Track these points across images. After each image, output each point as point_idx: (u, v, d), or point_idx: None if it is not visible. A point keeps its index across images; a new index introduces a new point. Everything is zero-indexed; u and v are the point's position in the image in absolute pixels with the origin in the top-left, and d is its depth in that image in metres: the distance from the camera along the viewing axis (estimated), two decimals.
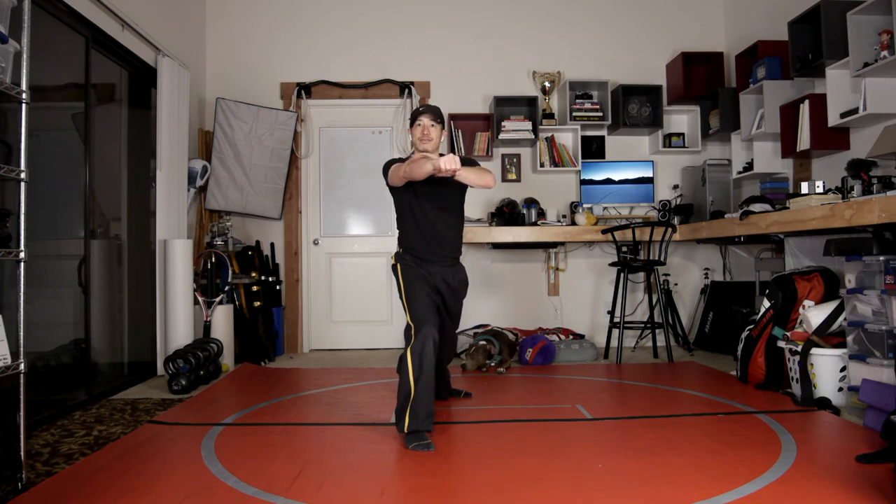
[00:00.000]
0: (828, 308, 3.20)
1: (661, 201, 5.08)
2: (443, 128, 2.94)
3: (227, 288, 4.38)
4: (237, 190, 4.93)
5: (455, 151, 5.12)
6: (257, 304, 4.68)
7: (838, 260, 3.29)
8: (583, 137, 5.22)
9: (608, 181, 5.19)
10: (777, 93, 4.19)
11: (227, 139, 4.89)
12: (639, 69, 5.30)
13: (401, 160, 2.93)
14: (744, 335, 3.62)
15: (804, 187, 3.39)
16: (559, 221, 5.09)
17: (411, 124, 2.94)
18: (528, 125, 5.04)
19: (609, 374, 4.06)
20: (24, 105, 2.18)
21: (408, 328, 2.71)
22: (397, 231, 3.02)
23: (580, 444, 2.55)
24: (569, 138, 5.22)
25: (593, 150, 5.26)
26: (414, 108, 5.12)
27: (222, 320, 4.29)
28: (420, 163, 2.66)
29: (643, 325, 4.88)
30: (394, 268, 2.94)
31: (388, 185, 2.94)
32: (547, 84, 5.21)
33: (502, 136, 5.03)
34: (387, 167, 2.93)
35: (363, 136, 5.35)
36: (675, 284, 5.26)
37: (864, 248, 2.89)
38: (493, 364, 4.13)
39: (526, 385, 3.74)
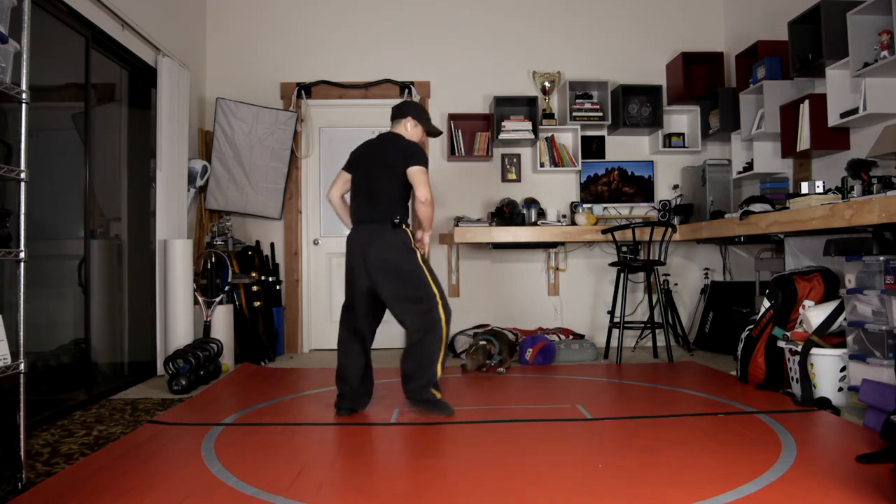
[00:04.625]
0: (828, 308, 3.19)
1: (661, 201, 5.08)
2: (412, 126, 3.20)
3: (227, 288, 4.38)
4: (237, 190, 4.93)
5: (455, 151, 5.12)
6: (257, 304, 4.68)
7: (838, 260, 3.29)
8: (583, 137, 5.23)
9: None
10: (777, 93, 4.19)
11: (227, 139, 4.89)
12: (639, 69, 5.30)
13: (426, 159, 3.07)
14: (744, 335, 3.62)
15: (804, 187, 3.39)
16: (559, 221, 5.09)
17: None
18: (528, 125, 5.04)
19: (609, 374, 4.06)
20: (24, 105, 2.18)
21: (433, 306, 2.95)
22: (402, 213, 3.03)
23: (580, 444, 2.55)
24: (569, 138, 5.22)
25: (593, 150, 5.27)
26: None
27: (222, 320, 4.29)
28: (430, 220, 3.11)
29: (643, 325, 4.88)
30: (411, 247, 3.01)
31: (413, 168, 2.99)
32: (547, 84, 5.21)
33: (502, 136, 5.03)
34: (426, 161, 3.05)
35: (363, 136, 5.21)
36: (675, 284, 5.26)
37: (864, 248, 2.89)
38: (493, 364, 4.13)
39: (526, 385, 3.74)
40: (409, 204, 3.10)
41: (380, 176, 3.03)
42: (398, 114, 3.21)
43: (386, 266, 2.94)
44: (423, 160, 3.01)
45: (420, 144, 3.15)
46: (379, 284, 2.95)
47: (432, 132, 3.27)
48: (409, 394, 3.00)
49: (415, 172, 2.98)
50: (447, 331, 2.98)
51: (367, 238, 2.98)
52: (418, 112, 3.21)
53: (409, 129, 3.18)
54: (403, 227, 3.00)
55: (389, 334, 5.28)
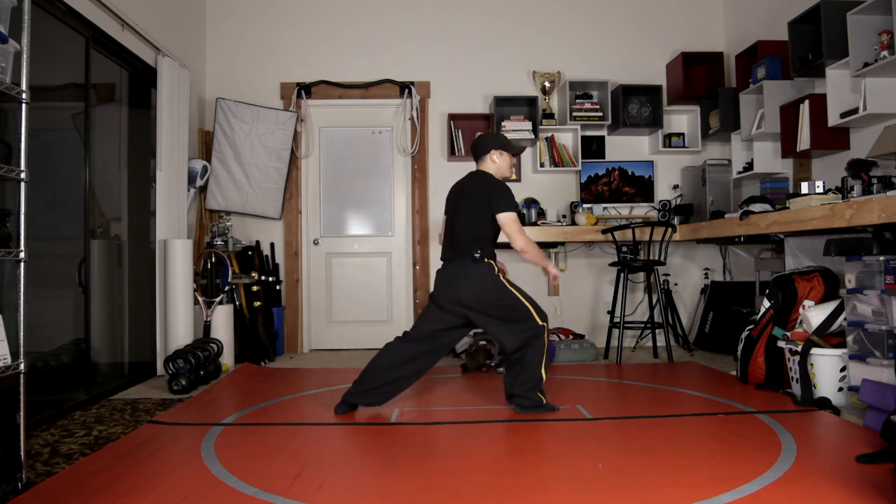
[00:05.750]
0: (828, 308, 3.19)
1: (661, 201, 5.08)
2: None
3: (227, 288, 4.38)
4: (237, 190, 4.93)
5: (455, 151, 5.12)
6: (257, 304, 4.68)
7: (838, 260, 3.29)
8: (583, 137, 5.22)
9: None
10: (777, 93, 4.19)
11: (228, 139, 4.89)
12: (639, 69, 5.30)
13: (510, 199, 3.00)
14: (744, 335, 3.62)
15: (804, 187, 3.39)
16: (559, 221, 5.09)
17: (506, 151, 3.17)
18: (528, 125, 5.04)
19: (609, 374, 4.06)
20: (24, 105, 2.19)
21: (530, 322, 2.93)
22: (481, 249, 3.00)
23: (580, 444, 2.55)
24: (569, 138, 5.22)
25: (593, 150, 5.26)
26: (414, 108, 5.15)
27: (222, 320, 4.29)
28: (541, 257, 3.08)
29: (643, 325, 4.88)
30: (497, 276, 3.01)
31: (502, 215, 2.97)
32: (547, 84, 5.21)
33: None
34: (511, 202, 2.99)
35: (363, 136, 5.35)
36: (675, 284, 5.26)
37: (864, 248, 2.88)
38: (493, 364, 4.13)
39: None
40: (492, 240, 3.07)
41: (461, 215, 3.04)
42: (479, 151, 3.15)
43: (477, 298, 2.95)
44: (509, 203, 2.96)
45: (504, 179, 3.11)
46: (474, 315, 2.97)
47: (518, 150, 3.22)
48: (517, 401, 2.99)
49: (504, 221, 2.95)
50: (547, 336, 2.98)
51: (449, 276, 3.01)
52: (497, 140, 3.15)
53: (497, 161, 3.13)
54: (485, 260, 2.99)
55: (388, 334, 5.28)
